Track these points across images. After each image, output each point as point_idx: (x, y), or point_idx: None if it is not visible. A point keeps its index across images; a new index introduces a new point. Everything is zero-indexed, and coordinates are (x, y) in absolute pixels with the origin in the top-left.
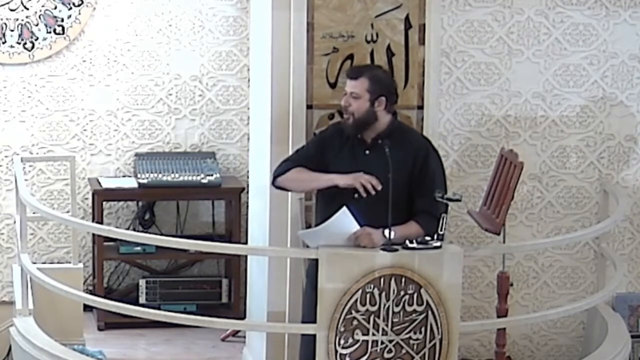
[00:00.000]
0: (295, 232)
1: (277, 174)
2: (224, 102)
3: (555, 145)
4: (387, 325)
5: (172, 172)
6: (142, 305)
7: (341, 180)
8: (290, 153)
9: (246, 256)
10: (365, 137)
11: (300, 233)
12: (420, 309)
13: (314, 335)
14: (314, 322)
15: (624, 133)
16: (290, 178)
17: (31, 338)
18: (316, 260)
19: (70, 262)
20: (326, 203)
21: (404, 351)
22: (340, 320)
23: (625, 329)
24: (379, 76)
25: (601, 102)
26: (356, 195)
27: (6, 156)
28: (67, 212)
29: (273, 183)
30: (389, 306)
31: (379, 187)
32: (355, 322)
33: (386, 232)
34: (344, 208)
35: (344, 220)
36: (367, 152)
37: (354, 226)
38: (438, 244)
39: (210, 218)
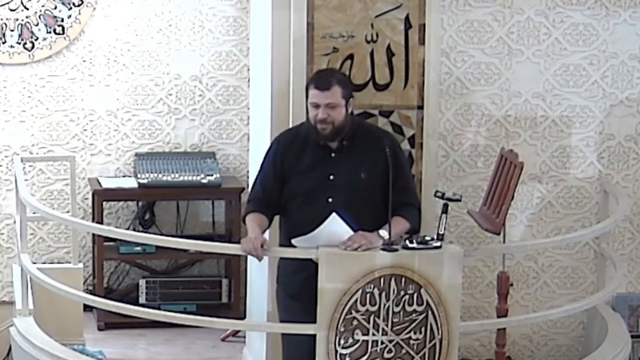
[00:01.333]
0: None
1: (244, 213)
2: (224, 102)
3: (555, 145)
4: (387, 325)
5: (172, 172)
6: (142, 305)
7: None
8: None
9: (246, 256)
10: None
11: (294, 241)
12: (420, 309)
13: (297, 338)
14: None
15: (624, 133)
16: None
17: (31, 338)
18: (286, 267)
19: (70, 262)
20: (298, 206)
21: (404, 351)
22: (340, 320)
23: (625, 329)
24: (343, 79)
25: (601, 102)
26: (330, 200)
27: (6, 156)
28: (67, 212)
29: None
30: (389, 306)
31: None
32: (355, 322)
33: (381, 232)
34: (333, 214)
35: (334, 226)
36: (333, 154)
37: (347, 232)
38: (438, 244)
39: (210, 218)
